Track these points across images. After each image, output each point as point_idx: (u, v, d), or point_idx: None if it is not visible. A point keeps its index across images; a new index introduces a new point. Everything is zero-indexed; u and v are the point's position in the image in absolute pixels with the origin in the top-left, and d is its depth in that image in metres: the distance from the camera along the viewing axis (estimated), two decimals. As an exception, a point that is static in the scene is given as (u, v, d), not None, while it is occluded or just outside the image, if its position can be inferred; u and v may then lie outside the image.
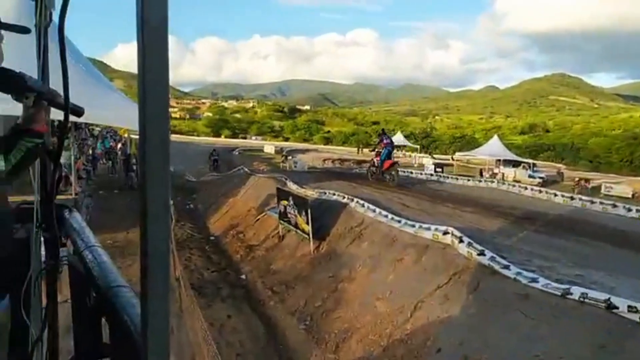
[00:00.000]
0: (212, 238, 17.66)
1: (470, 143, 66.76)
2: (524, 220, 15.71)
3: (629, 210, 18.29)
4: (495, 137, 43.78)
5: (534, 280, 8.22)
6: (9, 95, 1.74)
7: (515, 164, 36.27)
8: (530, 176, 33.21)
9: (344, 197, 15.98)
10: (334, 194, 16.77)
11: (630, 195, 26.62)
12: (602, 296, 7.04)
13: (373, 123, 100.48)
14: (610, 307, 6.77)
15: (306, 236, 13.56)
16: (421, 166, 41.48)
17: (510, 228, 14.20)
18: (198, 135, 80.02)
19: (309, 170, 33.67)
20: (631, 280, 8.73)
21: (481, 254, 9.64)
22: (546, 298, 7.79)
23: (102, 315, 1.41)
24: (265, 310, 11.52)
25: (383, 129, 28.36)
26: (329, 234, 13.93)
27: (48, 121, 1.77)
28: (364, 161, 49.51)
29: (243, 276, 13.79)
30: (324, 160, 48.01)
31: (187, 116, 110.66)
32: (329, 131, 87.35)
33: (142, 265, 0.70)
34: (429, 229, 11.53)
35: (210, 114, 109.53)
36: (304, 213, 13.48)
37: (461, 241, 10.38)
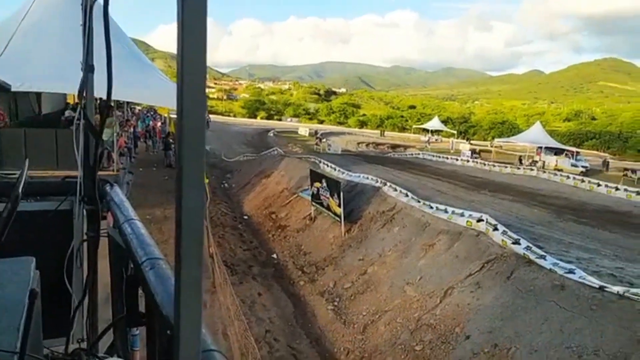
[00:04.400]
0: (245, 217, 18.01)
1: (510, 129, 64.62)
2: (563, 209, 15.21)
3: (679, 203, 17.35)
4: (538, 123, 42.18)
5: (571, 271, 7.99)
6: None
7: (557, 151, 34.90)
8: (572, 165, 31.94)
9: (376, 181, 15.91)
10: (367, 178, 16.72)
11: (681, 188, 25.15)
12: (643, 291, 6.80)
13: (409, 107, 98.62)
14: (652, 302, 6.51)
15: (337, 219, 13.63)
16: (457, 152, 40.61)
17: (549, 217, 13.80)
18: (234, 116, 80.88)
19: (343, 153, 33.59)
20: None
21: (516, 242, 9.44)
22: (583, 290, 7.58)
23: (139, 286, 1.48)
24: (295, 290, 11.72)
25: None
26: (360, 217, 13.94)
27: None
28: (398, 145, 48.97)
29: (274, 255, 14.05)
30: (358, 143, 47.71)
31: (225, 97, 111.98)
32: (364, 114, 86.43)
33: (177, 240, 0.73)
34: (462, 215, 11.36)
35: (247, 95, 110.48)
36: (336, 195, 13.52)
37: (496, 229, 10.19)
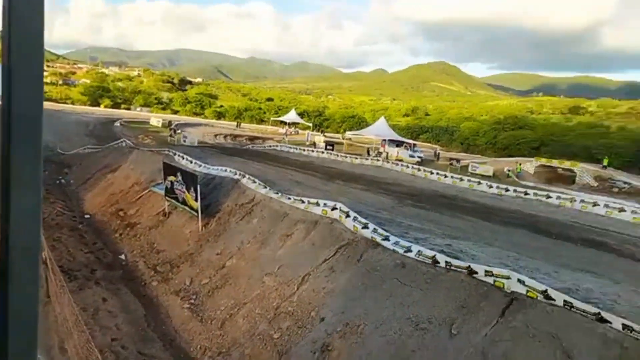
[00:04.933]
0: (86, 216, 16.20)
1: (360, 123, 69.60)
2: (404, 196, 16.91)
3: (490, 187, 20.67)
4: (382, 118, 46.52)
5: (409, 250, 8.90)
6: None
7: (398, 144, 38.76)
8: (410, 155, 35.79)
9: (235, 174, 15.67)
10: (226, 170, 16.36)
11: (491, 174, 30.10)
12: (464, 263, 7.89)
13: (267, 99, 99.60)
14: (471, 272, 7.59)
15: (194, 213, 13.08)
16: (313, 144, 42.32)
17: (392, 203, 15.19)
18: (73, 103, 72.05)
19: (199, 145, 32.37)
20: (493, 249, 9.92)
21: (365, 227, 10.18)
22: (420, 266, 8.51)
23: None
24: (146, 291, 10.94)
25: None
26: (219, 210, 13.60)
27: None
28: (257, 137, 49.07)
29: (122, 256, 12.92)
30: (216, 135, 46.50)
31: (60, 81, 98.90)
32: (221, 105, 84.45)
33: (3, 244, 0.58)
34: (318, 204, 11.84)
35: (88, 81, 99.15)
36: (192, 189, 12.95)
37: (348, 216, 10.85)
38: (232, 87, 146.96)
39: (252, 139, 47.85)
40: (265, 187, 13.86)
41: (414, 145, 40.08)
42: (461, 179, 22.45)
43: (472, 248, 9.63)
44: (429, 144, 57.07)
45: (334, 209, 11.43)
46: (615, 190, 26.23)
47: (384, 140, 38.56)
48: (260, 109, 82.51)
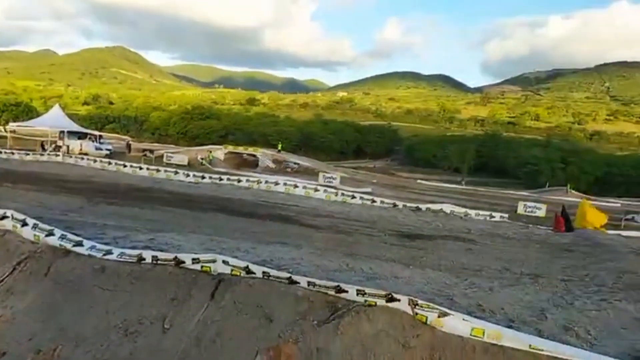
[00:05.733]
0: None
1: (27, 112, 58.70)
2: (95, 193, 15.34)
3: (188, 175, 21.20)
4: (57, 106, 40.35)
5: (109, 252, 8.18)
6: None
7: (81, 136, 34.75)
8: (97, 148, 32.76)
9: None
10: None
11: (186, 163, 30.88)
12: (170, 255, 7.83)
13: None
14: (179, 263, 7.61)
15: None
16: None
17: (81, 203, 13.54)
18: None
19: None
20: (197, 236, 10.17)
21: (50, 234, 8.72)
22: (123, 267, 7.93)
23: None
24: None
25: None
26: None
27: None
28: None
29: None
30: None
31: None
32: None
33: None
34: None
35: None
36: None
37: (25, 224, 9.02)
38: None
39: None
40: None
41: (100, 137, 36.81)
42: (157, 170, 22.11)
43: (176, 239, 9.66)
44: (118, 135, 53.60)
45: (3, 217, 9.29)
46: (289, 170, 31.32)
47: (62, 132, 33.89)
48: None
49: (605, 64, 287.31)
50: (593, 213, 18.21)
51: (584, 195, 44.51)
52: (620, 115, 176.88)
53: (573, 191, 49.46)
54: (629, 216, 27.43)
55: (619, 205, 38.99)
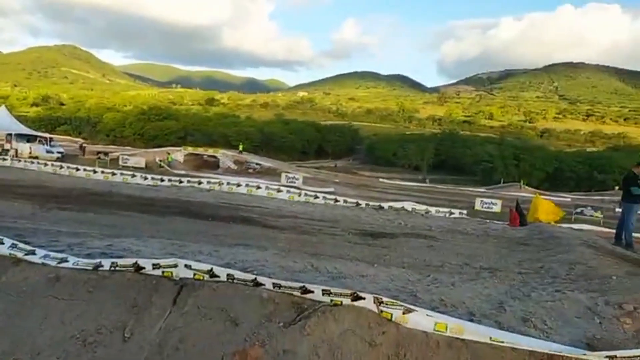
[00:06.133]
0: None
1: (-32, 113, 55.38)
2: (47, 198, 14.64)
3: (145, 178, 20.60)
4: (3, 107, 38.35)
5: (64, 260, 7.83)
6: None
7: (30, 138, 33.14)
8: (48, 151, 31.35)
9: None
10: None
11: (143, 165, 30.00)
12: (130, 261, 7.57)
13: None
14: (138, 268, 7.37)
15: None
16: None
17: (32, 209, 12.90)
18: None
19: None
20: (157, 240, 9.87)
21: (0, 243, 8.25)
22: (79, 275, 7.61)
23: None
24: None
25: None
26: None
27: None
28: None
29: None
30: None
31: None
32: None
33: None
34: None
35: None
36: None
37: (-32, 234, 8.49)
38: None
39: None
40: None
41: (51, 139, 35.27)
42: (113, 173, 21.39)
43: (135, 244, 9.34)
44: (70, 137, 51.48)
45: (-55, 227, 8.71)
46: (251, 171, 31.04)
47: (10, 134, 32.27)
48: None
49: (553, 65, 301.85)
50: (545, 207, 19.09)
51: (537, 190, 46.53)
52: (567, 114, 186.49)
53: (526, 187, 51.61)
54: (579, 210, 28.93)
55: (569, 199, 41.02)
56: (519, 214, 17.23)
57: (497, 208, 27.15)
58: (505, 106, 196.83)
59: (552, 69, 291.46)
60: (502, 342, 4.25)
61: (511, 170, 61.88)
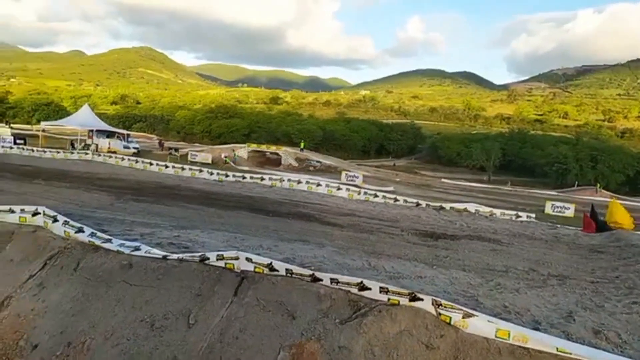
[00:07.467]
0: None
1: (58, 111, 60.50)
2: (123, 190, 15.70)
3: (212, 174, 21.47)
4: (86, 106, 41.41)
5: (137, 248, 8.36)
6: None
7: (109, 134, 35.58)
8: (125, 147, 33.50)
9: None
10: None
11: (210, 161, 31.29)
12: (196, 252, 7.95)
13: None
14: (203, 260, 7.72)
15: None
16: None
17: (110, 200, 13.88)
18: None
19: None
20: (220, 233, 10.30)
21: (80, 231, 8.97)
22: (149, 263, 8.10)
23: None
24: None
25: None
26: None
27: None
28: None
29: None
30: None
31: None
32: None
33: None
34: (12, 212, 9.71)
35: None
36: None
37: (56, 220, 9.31)
38: None
39: None
40: None
41: (128, 135, 37.61)
42: (182, 168, 22.47)
43: (200, 235, 9.80)
44: (145, 134, 54.75)
45: (35, 214, 9.61)
46: (311, 168, 31.36)
47: (91, 130, 34.78)
48: None
49: (638, 59, 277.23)
50: (622, 213, 17.63)
51: (614, 194, 43.17)
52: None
53: (603, 190, 48.03)
54: (662, 217, 26.45)
55: (651, 205, 37.62)
56: (594, 220, 16.03)
57: (569, 212, 25.46)
58: (582, 104, 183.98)
59: (636, 64, 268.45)
60: (570, 353, 4.00)
61: (587, 172, 57.77)
